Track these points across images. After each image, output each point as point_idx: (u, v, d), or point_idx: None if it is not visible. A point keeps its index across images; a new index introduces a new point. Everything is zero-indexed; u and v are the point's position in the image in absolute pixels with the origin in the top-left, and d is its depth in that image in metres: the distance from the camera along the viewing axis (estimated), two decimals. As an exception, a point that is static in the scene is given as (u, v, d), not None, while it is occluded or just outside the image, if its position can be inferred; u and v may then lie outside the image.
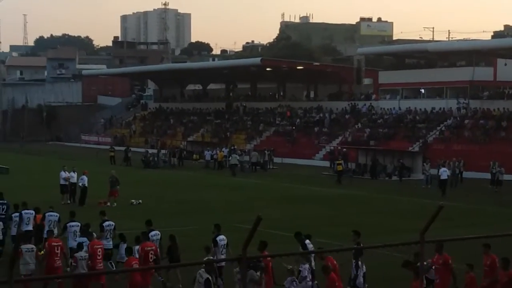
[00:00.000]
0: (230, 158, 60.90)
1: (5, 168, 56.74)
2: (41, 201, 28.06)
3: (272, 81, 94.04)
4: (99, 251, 20.17)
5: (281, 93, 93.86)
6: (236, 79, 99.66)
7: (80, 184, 38.78)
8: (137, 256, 19.77)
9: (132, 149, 71.72)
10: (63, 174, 39.62)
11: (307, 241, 20.05)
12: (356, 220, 33.70)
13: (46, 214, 24.36)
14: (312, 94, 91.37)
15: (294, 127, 77.40)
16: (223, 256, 20.08)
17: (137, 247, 20.17)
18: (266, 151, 64.90)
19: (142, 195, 41.27)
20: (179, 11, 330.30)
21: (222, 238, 20.47)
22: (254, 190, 47.73)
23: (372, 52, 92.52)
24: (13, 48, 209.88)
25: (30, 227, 24.38)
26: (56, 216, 24.43)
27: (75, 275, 19.53)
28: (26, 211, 24.80)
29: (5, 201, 25.87)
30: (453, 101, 68.34)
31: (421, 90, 75.24)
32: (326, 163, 62.68)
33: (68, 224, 22.98)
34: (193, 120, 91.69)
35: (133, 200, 39.20)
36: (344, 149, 62.75)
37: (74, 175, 39.79)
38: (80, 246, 20.15)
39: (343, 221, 33.76)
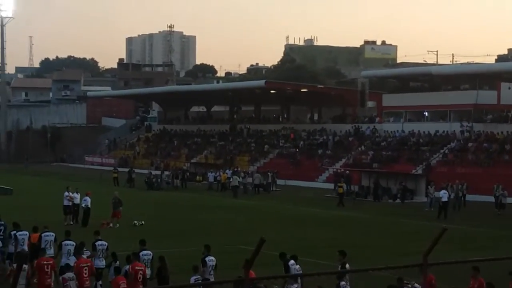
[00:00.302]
0: (231, 179, 60.89)
1: (9, 189, 56.78)
2: (44, 222, 27.98)
3: (276, 103, 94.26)
4: (85, 270, 20.13)
5: (285, 116, 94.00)
6: (240, 102, 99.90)
7: (83, 205, 38.76)
8: (127, 275, 19.78)
9: (136, 170, 71.78)
10: (67, 194, 39.63)
11: (292, 262, 20.08)
12: (359, 242, 33.68)
13: (42, 235, 24.34)
14: (316, 117, 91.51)
15: (297, 149, 77.47)
16: (211, 277, 20.10)
17: (127, 266, 20.22)
18: (269, 173, 64.91)
19: (145, 216, 41.25)
20: (184, 33, 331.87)
21: (211, 259, 20.53)
22: (257, 212, 47.68)
23: (376, 75, 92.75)
24: (18, 69, 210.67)
25: (25, 247, 24.24)
26: (52, 235, 24.41)
27: None
28: (20, 232, 24.60)
29: (2, 222, 25.91)
30: (457, 124, 68.39)
31: (424, 113, 75.30)
32: (330, 185, 62.55)
33: (63, 243, 22.95)
34: (197, 142, 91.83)
35: (135, 221, 39.14)
36: (347, 172, 62.75)
37: (77, 196, 39.76)
38: (68, 266, 20.23)
39: (346, 243, 33.59)
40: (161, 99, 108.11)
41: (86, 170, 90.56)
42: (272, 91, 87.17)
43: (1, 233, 25.22)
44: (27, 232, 24.81)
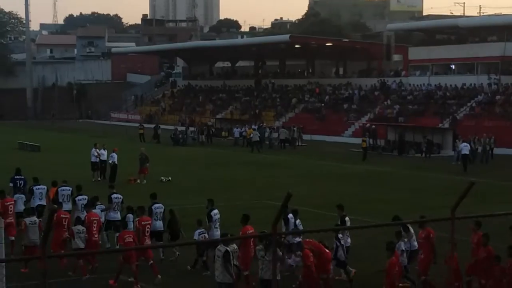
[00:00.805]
0: (252, 135, 60.85)
1: (37, 145, 57.37)
2: (72, 178, 28.33)
3: (301, 58, 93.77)
4: (95, 223, 20.51)
5: (310, 70, 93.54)
6: (264, 56, 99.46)
7: (110, 161, 39.03)
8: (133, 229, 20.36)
9: (162, 126, 72.04)
10: (94, 151, 39.90)
11: (291, 215, 20.26)
12: (385, 197, 33.71)
13: (59, 189, 24.98)
14: (341, 71, 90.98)
15: (323, 104, 77.20)
16: (216, 230, 20.44)
17: (131, 220, 20.73)
18: (295, 128, 64.83)
19: (172, 172, 41.51)
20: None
21: (216, 213, 20.88)
22: (282, 167, 47.75)
23: (401, 28, 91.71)
24: (43, 26, 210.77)
25: (44, 202, 24.99)
26: (69, 190, 25.00)
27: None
28: (38, 186, 25.37)
29: (22, 176, 26.74)
30: (484, 77, 67.68)
31: (451, 66, 74.55)
32: (356, 140, 62.35)
33: (76, 198, 23.52)
34: (221, 98, 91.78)
35: (162, 177, 39.40)
36: (373, 126, 62.48)
37: (105, 152, 39.99)
38: (78, 220, 20.66)
39: (372, 197, 33.76)
40: (186, 54, 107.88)
41: (112, 126, 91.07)
42: (296, 46, 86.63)
43: (22, 187, 25.95)
44: (45, 187, 25.54)
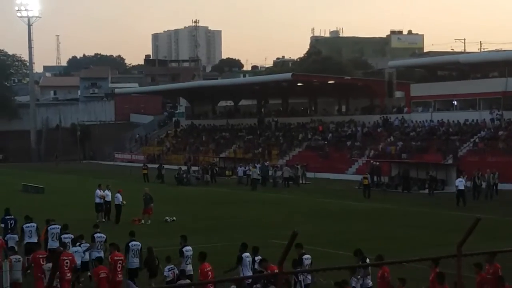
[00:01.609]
0: (251, 172, 60.99)
1: (41, 187, 57.39)
2: (76, 220, 28.39)
3: (303, 96, 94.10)
4: (66, 263, 20.66)
5: (313, 108, 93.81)
6: (267, 95, 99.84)
7: (117, 202, 38.99)
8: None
9: (166, 166, 72.10)
10: (98, 192, 39.86)
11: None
12: (390, 234, 33.58)
13: (49, 228, 25.42)
14: (343, 108, 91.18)
15: (326, 142, 77.30)
16: (188, 266, 21.07)
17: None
18: (298, 166, 64.85)
19: (176, 212, 41.45)
20: (209, 28, 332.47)
21: (188, 249, 21.52)
22: (287, 205, 47.69)
23: (403, 65, 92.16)
24: (46, 68, 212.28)
25: (33, 239, 25.05)
26: (58, 228, 25.37)
27: None
28: (27, 224, 25.71)
29: (12, 216, 27.24)
30: (486, 112, 67.83)
31: (453, 102, 74.68)
32: (359, 177, 62.27)
33: (62, 236, 24.11)
34: (225, 136, 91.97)
35: (167, 217, 39.34)
36: (377, 163, 62.49)
37: (109, 193, 40.01)
38: (48, 258, 21.00)
39: (377, 235, 33.59)
40: (188, 94, 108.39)
41: (116, 167, 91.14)
42: (299, 84, 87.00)
43: (13, 227, 26.43)
44: (34, 224, 25.88)
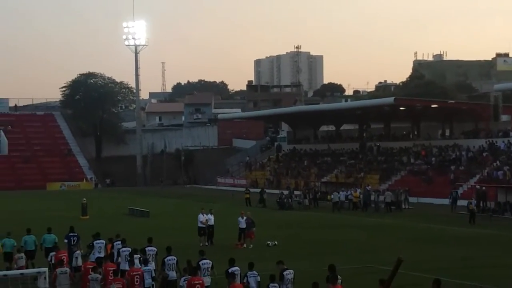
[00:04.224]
0: (332, 196, 60.68)
1: (146, 211, 58.74)
2: (179, 243, 28.90)
3: (406, 120, 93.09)
4: (111, 273, 21.70)
5: (415, 132, 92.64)
6: (369, 119, 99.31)
7: (240, 226, 39.32)
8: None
9: (267, 191, 72.57)
10: (201, 217, 40.30)
11: (234, 268, 20.59)
12: (493, 261, 32.72)
13: (115, 243, 26.91)
14: (447, 132, 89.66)
15: (429, 166, 76.13)
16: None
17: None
18: (401, 191, 64.10)
19: (278, 237, 41.58)
20: (311, 53, 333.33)
21: (204, 263, 22.02)
22: (389, 230, 47.14)
23: (509, 88, 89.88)
24: (152, 95, 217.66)
25: (102, 254, 26.60)
26: (119, 243, 26.80)
27: None
28: (97, 241, 27.45)
29: (76, 233, 29.01)
30: None
31: None
32: (464, 202, 60.97)
33: (120, 250, 25.58)
34: (326, 161, 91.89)
35: (269, 242, 39.46)
36: (483, 188, 61.04)
37: (211, 217, 40.55)
38: (95, 268, 22.28)
39: (480, 262, 32.80)
40: (290, 119, 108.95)
41: (218, 191, 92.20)
42: (401, 108, 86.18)
43: (75, 243, 28.13)
44: (103, 241, 27.58)
